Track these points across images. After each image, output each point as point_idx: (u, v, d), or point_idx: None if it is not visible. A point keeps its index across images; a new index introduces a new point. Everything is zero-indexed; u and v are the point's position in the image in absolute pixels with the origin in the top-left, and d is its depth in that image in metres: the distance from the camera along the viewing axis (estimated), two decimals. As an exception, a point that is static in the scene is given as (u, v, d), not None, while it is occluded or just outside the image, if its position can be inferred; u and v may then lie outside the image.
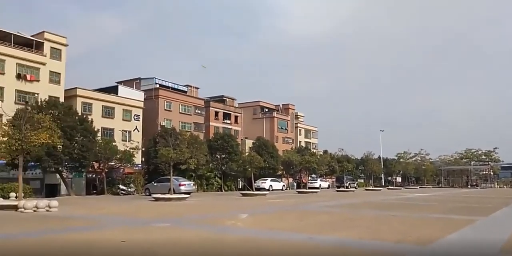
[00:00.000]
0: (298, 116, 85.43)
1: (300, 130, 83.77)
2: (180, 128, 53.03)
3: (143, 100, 51.92)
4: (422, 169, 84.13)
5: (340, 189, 51.30)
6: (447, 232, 10.07)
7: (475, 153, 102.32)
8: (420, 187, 72.12)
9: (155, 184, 36.44)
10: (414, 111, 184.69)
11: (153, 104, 53.88)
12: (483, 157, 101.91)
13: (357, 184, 68.95)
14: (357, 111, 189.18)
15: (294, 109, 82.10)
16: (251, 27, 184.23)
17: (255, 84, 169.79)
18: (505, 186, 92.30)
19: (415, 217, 15.32)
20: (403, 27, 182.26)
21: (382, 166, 75.20)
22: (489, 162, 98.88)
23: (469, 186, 79.05)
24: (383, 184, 78.00)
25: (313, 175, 62.57)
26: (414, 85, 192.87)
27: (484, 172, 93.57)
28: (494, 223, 13.68)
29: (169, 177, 30.96)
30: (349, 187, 56.93)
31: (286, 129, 77.96)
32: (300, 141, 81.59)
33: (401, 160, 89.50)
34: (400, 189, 63.06)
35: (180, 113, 57.04)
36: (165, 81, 58.91)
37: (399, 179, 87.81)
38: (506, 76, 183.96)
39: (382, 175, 79.13)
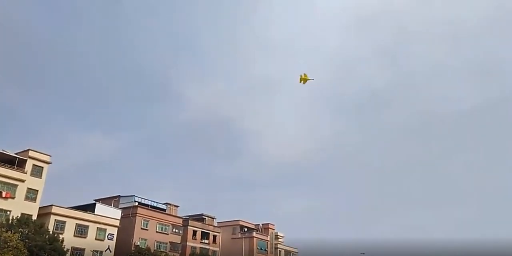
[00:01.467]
0: (278, 237, 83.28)
1: (280, 251, 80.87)
2: (155, 248, 51.17)
3: (119, 218, 50.99)
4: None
5: None
6: None
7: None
8: None
9: None
10: (393, 233, 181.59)
11: (130, 222, 52.83)
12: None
13: None
14: (337, 233, 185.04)
15: (274, 229, 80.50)
16: (235, 149, 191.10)
17: (237, 203, 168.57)
18: None
19: None
20: (377, 153, 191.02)
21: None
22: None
23: None
24: None
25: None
26: (390, 205, 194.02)
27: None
28: None
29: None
30: None
31: (265, 249, 75.28)
32: (280, 264, 78.13)
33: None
34: None
35: (157, 232, 55.58)
36: (145, 199, 58.81)
37: None
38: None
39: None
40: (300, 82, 36.48)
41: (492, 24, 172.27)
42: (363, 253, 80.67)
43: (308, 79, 36.47)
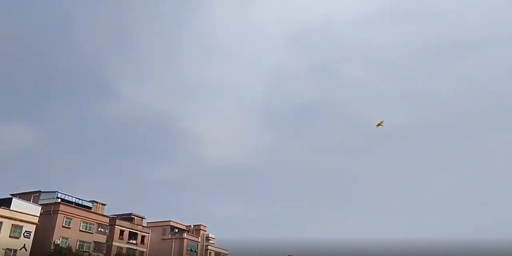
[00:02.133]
0: (209, 238, 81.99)
1: (210, 252, 79.62)
2: (77, 248, 47.96)
3: (38, 215, 47.18)
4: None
5: None
6: None
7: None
8: None
9: None
10: (323, 239, 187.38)
11: (51, 219, 49.13)
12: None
13: None
14: (269, 234, 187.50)
15: (205, 230, 79.20)
16: (171, 150, 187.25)
17: (168, 204, 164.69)
18: None
19: None
20: (310, 161, 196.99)
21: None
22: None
23: None
24: None
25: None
26: (321, 212, 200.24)
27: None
28: None
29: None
30: None
31: (195, 251, 73.73)
32: (210, 265, 76.94)
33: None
34: None
35: (81, 230, 52.24)
36: (69, 195, 55.04)
37: None
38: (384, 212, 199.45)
39: None
40: (378, 126, 47.10)
41: (415, 57, 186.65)
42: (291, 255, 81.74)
43: (381, 125, 47.08)
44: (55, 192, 53.74)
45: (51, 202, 51.44)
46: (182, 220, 76.81)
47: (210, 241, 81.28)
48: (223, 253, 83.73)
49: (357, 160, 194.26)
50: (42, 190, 53.86)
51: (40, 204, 49.46)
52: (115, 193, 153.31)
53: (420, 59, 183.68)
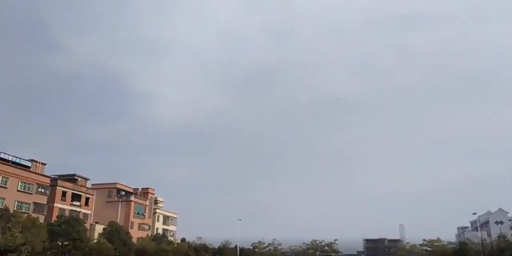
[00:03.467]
0: (158, 201, 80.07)
1: (158, 216, 78.05)
2: (15, 209, 44.29)
3: (-30, 173, 42.75)
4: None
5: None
6: None
7: (319, 244, 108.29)
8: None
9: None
10: (270, 201, 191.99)
11: (-16, 178, 44.75)
12: (326, 248, 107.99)
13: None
14: (218, 199, 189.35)
15: (154, 194, 77.06)
16: (116, 111, 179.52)
17: (116, 167, 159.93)
18: None
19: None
20: (264, 126, 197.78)
21: (238, 256, 74.22)
22: (331, 253, 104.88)
23: None
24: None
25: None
26: (272, 178, 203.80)
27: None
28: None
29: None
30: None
31: (143, 214, 71.73)
32: (157, 228, 75.50)
33: (256, 250, 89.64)
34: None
35: (19, 191, 48.38)
36: (5, 153, 50.35)
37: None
38: (345, 173, 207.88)
39: (238, 265, 77.32)
40: None
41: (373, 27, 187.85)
42: (240, 219, 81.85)
43: None
44: (-11, 149, 48.94)
45: (-16, 159, 46.83)
46: (130, 183, 74.12)
47: (158, 204, 79.47)
48: (172, 216, 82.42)
49: (303, 128, 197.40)
50: (-27, 146, 48.88)
51: (-28, 161, 44.84)
52: (58, 153, 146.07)
53: (375, 30, 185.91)
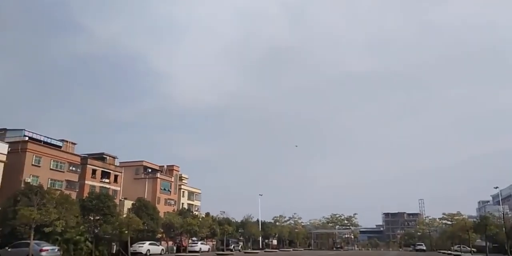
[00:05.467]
0: (182, 178, 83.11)
1: (183, 192, 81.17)
2: (49, 186, 47.25)
3: (6, 153, 45.62)
4: (295, 232, 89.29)
5: (220, 252, 50.11)
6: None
7: (339, 218, 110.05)
8: (293, 250, 74.52)
9: (9, 249, 30.94)
10: (290, 177, 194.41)
11: (19, 158, 47.69)
12: (345, 221, 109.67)
13: (241, 246, 68.69)
14: (239, 175, 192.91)
15: (178, 171, 79.85)
16: (139, 91, 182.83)
17: (141, 145, 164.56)
18: (363, 248, 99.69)
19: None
20: (282, 105, 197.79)
21: (260, 229, 76.94)
22: (350, 227, 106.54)
23: (334, 249, 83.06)
24: (260, 246, 78.10)
25: (193, 238, 60.40)
26: (292, 154, 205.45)
27: (347, 236, 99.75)
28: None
29: (28, 241, 26.51)
30: (233, 249, 56.24)
31: (169, 190, 74.79)
32: (182, 203, 78.76)
33: (277, 223, 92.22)
34: (276, 251, 63.94)
35: (51, 169, 51.30)
36: (37, 134, 53.23)
37: (275, 242, 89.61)
38: (363, 150, 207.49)
39: (260, 237, 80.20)
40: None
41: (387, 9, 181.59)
42: (261, 194, 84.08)
43: None
44: (22, 130, 51.81)
45: (18, 140, 49.68)
46: (155, 161, 77.05)
47: (183, 181, 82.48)
48: (196, 192, 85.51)
49: (325, 106, 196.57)
50: (7, 128, 51.82)
51: (6, 142, 47.69)
52: (85, 134, 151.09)
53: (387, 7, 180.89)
